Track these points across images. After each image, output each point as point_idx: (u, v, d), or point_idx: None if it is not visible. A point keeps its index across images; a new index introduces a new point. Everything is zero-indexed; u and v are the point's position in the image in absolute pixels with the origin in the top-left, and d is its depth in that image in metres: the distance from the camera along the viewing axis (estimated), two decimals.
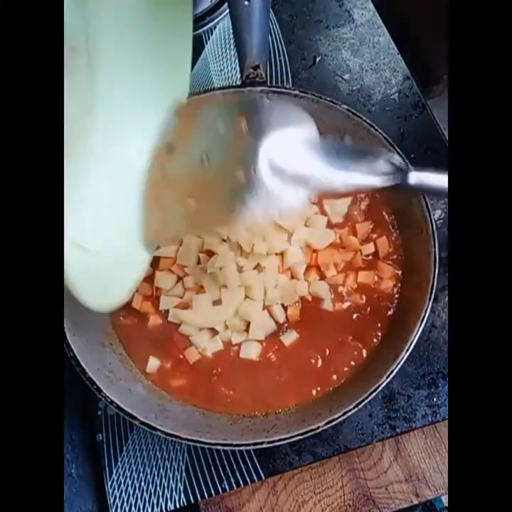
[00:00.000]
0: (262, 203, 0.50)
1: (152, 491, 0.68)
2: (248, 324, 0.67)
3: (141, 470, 0.69)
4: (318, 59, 0.93)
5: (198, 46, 0.95)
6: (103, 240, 0.55)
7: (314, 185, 0.50)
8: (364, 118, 0.71)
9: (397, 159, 0.51)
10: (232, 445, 0.58)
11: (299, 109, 0.53)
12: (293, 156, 0.50)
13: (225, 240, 0.69)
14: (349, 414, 0.57)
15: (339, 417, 0.57)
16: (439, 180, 0.49)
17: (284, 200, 0.50)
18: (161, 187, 0.55)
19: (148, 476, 0.69)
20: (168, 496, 0.68)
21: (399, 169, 0.50)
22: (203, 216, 0.54)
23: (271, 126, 0.50)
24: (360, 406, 0.57)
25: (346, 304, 0.69)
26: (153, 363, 0.68)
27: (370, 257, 0.72)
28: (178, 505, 0.67)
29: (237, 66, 0.74)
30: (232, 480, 0.68)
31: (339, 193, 0.52)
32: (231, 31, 0.81)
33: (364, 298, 0.70)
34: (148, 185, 0.56)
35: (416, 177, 0.49)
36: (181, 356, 0.68)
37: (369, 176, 0.50)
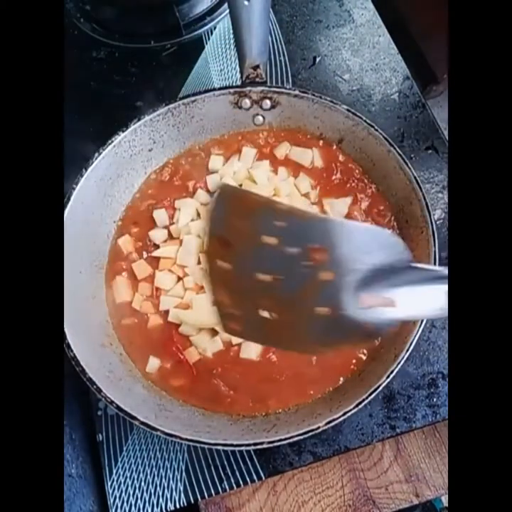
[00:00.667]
0: (351, 338, 0.45)
1: (152, 491, 0.68)
2: None
3: (141, 470, 0.69)
4: (318, 59, 0.93)
5: (198, 46, 0.95)
6: None
7: (405, 311, 0.44)
8: (364, 118, 0.71)
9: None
10: (232, 445, 0.58)
11: (382, 231, 0.47)
12: (381, 283, 0.43)
13: None
14: (349, 414, 0.57)
15: (339, 417, 0.57)
16: None
17: (375, 332, 0.45)
18: (228, 282, 0.48)
19: (148, 476, 0.69)
20: (168, 496, 0.68)
21: None
22: (279, 333, 0.48)
23: (354, 259, 0.42)
24: (360, 406, 0.57)
25: None
26: (153, 363, 0.68)
27: None
28: (178, 505, 0.67)
29: (237, 66, 0.74)
30: (232, 480, 0.68)
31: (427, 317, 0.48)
32: (231, 31, 0.81)
33: None
34: (212, 275, 0.49)
35: None
36: (181, 356, 0.68)
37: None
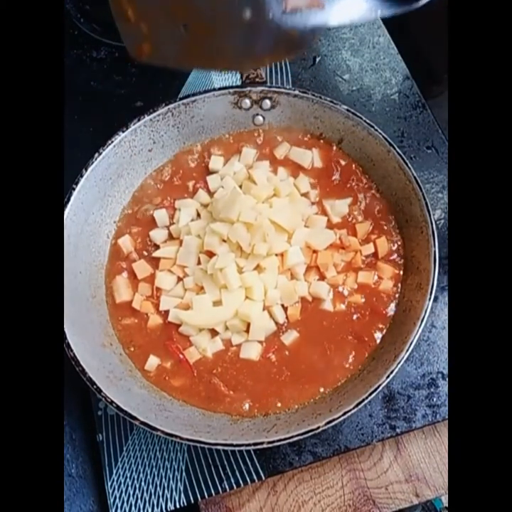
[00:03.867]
0: (276, 47, 0.41)
1: (152, 491, 0.68)
2: (248, 325, 0.67)
3: (141, 470, 0.69)
4: (318, 59, 0.93)
5: None
6: None
7: (333, 15, 0.40)
8: (364, 118, 0.71)
9: None
10: (232, 445, 0.58)
11: None
12: None
13: (225, 241, 0.69)
14: (349, 414, 0.57)
15: (339, 416, 0.57)
16: None
17: (300, 41, 0.41)
18: None
19: (148, 476, 0.69)
20: (168, 496, 0.68)
21: None
22: (199, 48, 0.42)
23: None
24: (360, 406, 0.57)
25: (346, 304, 0.70)
26: (152, 361, 0.68)
27: (370, 257, 0.72)
28: (178, 505, 0.67)
29: None
30: (232, 480, 0.68)
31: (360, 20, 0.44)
32: None
33: (364, 298, 0.70)
34: None
35: None
36: (181, 356, 0.68)
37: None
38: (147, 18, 0.41)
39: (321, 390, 0.66)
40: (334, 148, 0.77)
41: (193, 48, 0.42)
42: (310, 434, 0.57)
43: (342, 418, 0.57)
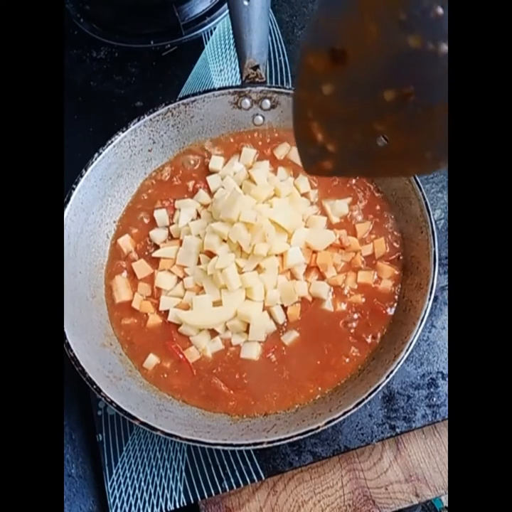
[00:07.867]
0: None
1: (152, 491, 0.68)
2: (248, 325, 0.67)
3: (141, 470, 0.69)
4: None
5: (198, 46, 0.95)
6: None
7: None
8: None
9: None
10: (232, 445, 0.58)
11: None
12: None
13: (225, 241, 0.69)
14: (349, 414, 0.57)
15: (339, 416, 0.57)
16: None
17: None
18: (325, 111, 0.38)
19: (148, 476, 0.69)
20: (168, 496, 0.68)
21: None
22: (394, 158, 0.38)
23: None
24: (360, 406, 0.57)
25: (346, 304, 0.70)
26: (151, 360, 0.68)
27: (370, 258, 0.72)
28: (178, 505, 0.67)
29: (237, 66, 0.74)
30: (232, 480, 0.68)
31: None
32: (231, 31, 0.81)
33: (364, 298, 0.70)
34: (301, 107, 0.41)
35: None
36: (181, 356, 0.68)
37: None
38: (338, 139, 0.38)
39: (321, 389, 0.66)
40: None
41: (386, 158, 0.38)
42: (310, 434, 0.57)
43: (342, 418, 0.57)
